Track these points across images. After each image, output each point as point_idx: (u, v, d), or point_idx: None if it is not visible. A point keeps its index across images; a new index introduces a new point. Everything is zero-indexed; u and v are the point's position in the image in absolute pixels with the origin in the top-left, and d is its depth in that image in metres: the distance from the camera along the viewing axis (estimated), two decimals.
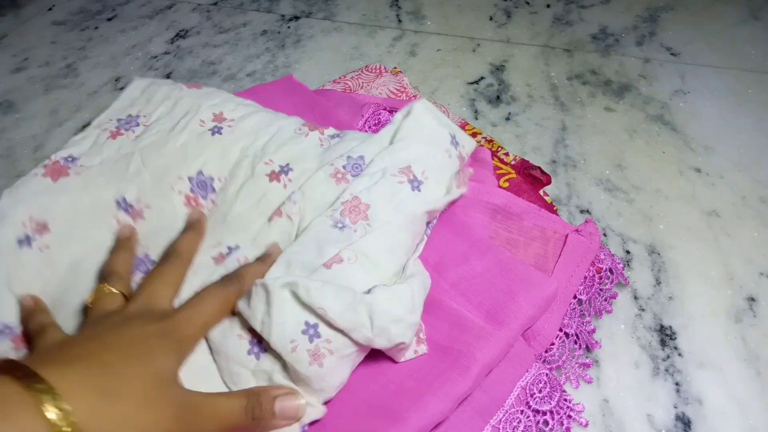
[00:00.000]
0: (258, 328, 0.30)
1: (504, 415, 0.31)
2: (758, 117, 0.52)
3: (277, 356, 0.30)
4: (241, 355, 0.31)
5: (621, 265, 0.38)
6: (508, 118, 0.52)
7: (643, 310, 0.38)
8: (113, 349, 0.26)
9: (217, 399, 0.29)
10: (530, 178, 0.43)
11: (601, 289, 0.37)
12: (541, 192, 0.43)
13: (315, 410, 0.30)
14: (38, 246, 0.35)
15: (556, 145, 0.50)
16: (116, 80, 0.58)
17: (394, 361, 0.32)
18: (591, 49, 0.61)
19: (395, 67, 0.55)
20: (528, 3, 0.68)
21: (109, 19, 0.68)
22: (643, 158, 0.48)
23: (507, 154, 0.46)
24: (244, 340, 0.31)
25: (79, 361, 0.25)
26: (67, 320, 0.33)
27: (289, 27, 0.65)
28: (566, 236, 0.37)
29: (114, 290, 0.32)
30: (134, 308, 0.30)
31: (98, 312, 0.30)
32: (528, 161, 0.45)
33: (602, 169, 0.47)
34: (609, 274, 0.37)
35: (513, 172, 0.44)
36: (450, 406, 0.30)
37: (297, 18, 0.66)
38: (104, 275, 0.33)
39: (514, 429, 0.31)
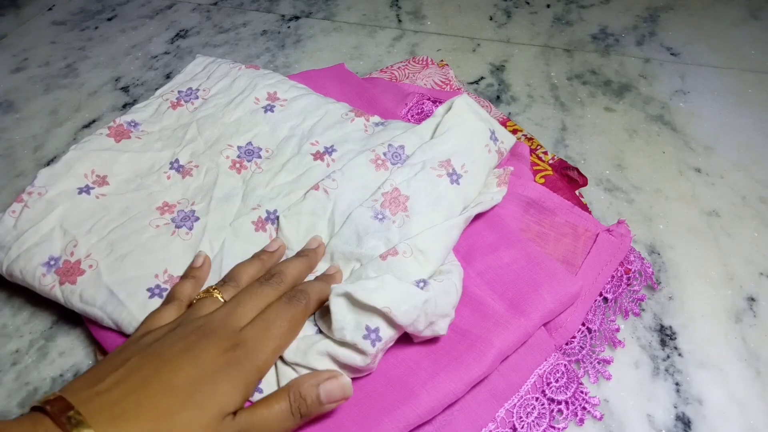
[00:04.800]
0: (324, 328, 0.31)
1: (519, 401, 0.32)
2: (758, 117, 0.52)
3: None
4: (308, 322, 0.32)
5: (651, 269, 0.38)
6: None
7: (643, 310, 0.38)
8: (175, 391, 0.25)
9: (262, 413, 0.27)
10: (567, 178, 0.44)
11: (629, 290, 0.37)
12: (576, 192, 0.43)
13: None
14: (95, 194, 0.39)
15: (556, 145, 0.50)
16: (116, 80, 0.58)
17: (411, 340, 0.33)
18: (591, 49, 0.61)
19: (442, 60, 0.56)
20: (528, 3, 0.68)
21: (109, 19, 0.68)
22: (643, 158, 0.48)
23: (546, 153, 0.46)
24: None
25: (135, 410, 0.24)
26: (110, 251, 0.36)
27: (289, 27, 0.65)
28: (597, 235, 0.38)
29: (220, 298, 0.31)
30: (216, 319, 0.29)
31: (193, 312, 0.30)
32: (566, 161, 0.45)
33: (602, 169, 0.47)
34: (638, 276, 0.37)
35: (550, 169, 0.44)
36: (462, 389, 0.31)
37: (297, 18, 0.66)
38: (226, 278, 0.33)
39: (527, 414, 0.32)
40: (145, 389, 0.24)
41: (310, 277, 0.35)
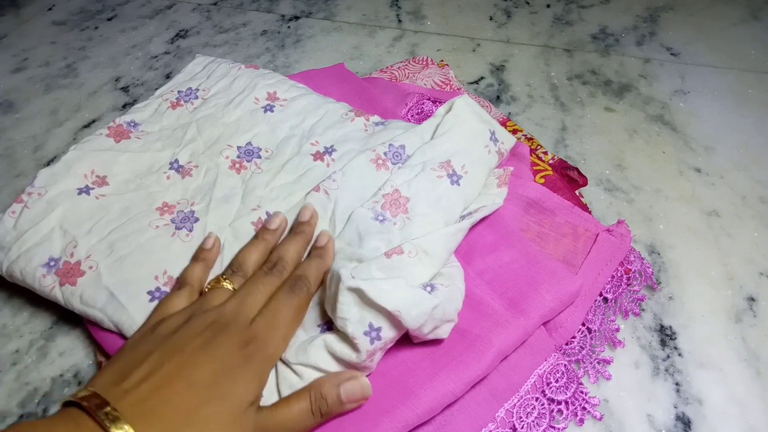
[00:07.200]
0: (328, 309, 0.32)
1: (518, 401, 0.32)
2: (758, 117, 0.52)
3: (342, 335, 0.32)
4: (311, 322, 0.33)
5: (651, 270, 0.38)
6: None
7: (643, 310, 0.38)
8: (197, 387, 0.26)
9: (283, 411, 0.29)
10: (567, 178, 0.44)
11: (629, 290, 0.37)
12: (576, 192, 0.43)
13: None
14: (95, 194, 0.39)
15: (556, 145, 0.50)
16: (116, 80, 0.58)
17: (411, 340, 0.33)
18: (591, 49, 0.61)
19: (442, 60, 0.56)
20: (528, 3, 0.68)
21: (109, 19, 0.67)
22: (643, 158, 0.48)
23: (546, 153, 0.46)
24: (320, 318, 0.33)
25: (163, 406, 0.25)
26: (110, 252, 0.36)
27: (289, 27, 0.65)
28: (597, 235, 0.38)
29: (230, 288, 0.32)
30: (228, 312, 0.30)
31: (205, 303, 0.31)
32: (566, 161, 0.45)
33: (602, 169, 0.47)
34: (638, 276, 0.37)
35: (550, 169, 0.44)
36: (462, 388, 0.31)
37: (297, 18, 0.66)
38: (233, 266, 0.34)
39: (527, 414, 0.32)
40: (170, 386, 0.26)
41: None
